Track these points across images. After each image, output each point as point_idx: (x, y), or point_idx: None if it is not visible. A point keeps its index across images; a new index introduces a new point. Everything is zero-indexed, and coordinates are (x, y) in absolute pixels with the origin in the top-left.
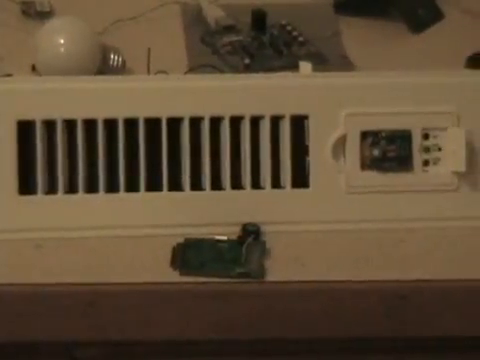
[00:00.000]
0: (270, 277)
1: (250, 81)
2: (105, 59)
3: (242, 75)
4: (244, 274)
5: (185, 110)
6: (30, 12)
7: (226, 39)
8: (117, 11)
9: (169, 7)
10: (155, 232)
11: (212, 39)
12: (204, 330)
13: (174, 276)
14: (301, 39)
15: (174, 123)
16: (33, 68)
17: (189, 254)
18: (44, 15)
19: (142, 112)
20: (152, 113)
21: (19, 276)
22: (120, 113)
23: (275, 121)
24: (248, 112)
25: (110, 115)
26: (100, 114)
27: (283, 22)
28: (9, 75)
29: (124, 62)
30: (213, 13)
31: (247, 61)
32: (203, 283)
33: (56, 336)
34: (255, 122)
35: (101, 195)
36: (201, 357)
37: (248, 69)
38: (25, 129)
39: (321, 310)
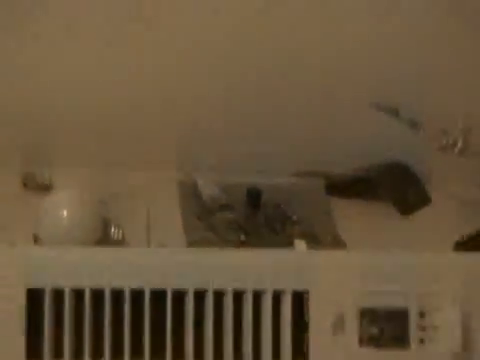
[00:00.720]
0: None
1: (251, 256)
2: (106, 231)
3: (243, 250)
4: None
5: (189, 283)
6: (31, 184)
7: (222, 216)
8: (115, 185)
9: (166, 182)
10: None
11: (208, 216)
12: None
13: None
14: (294, 218)
15: (179, 295)
16: (35, 238)
17: None
18: (44, 187)
19: (147, 283)
20: (157, 285)
21: None
22: (126, 283)
23: (276, 296)
24: (250, 286)
25: (117, 285)
26: (107, 284)
27: (277, 201)
28: (12, 244)
29: (124, 234)
30: (208, 191)
31: (243, 238)
32: None
33: None
34: (257, 296)
35: None
36: None
37: (244, 245)
38: (34, 296)
39: None
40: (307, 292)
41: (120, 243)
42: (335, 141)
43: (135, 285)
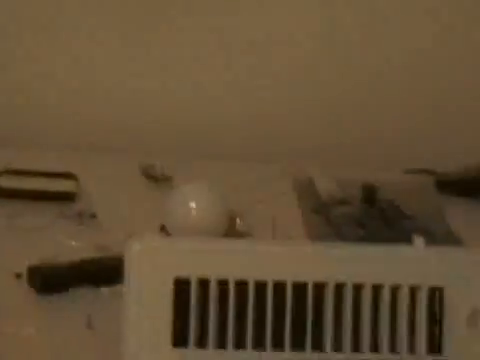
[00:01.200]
0: None
1: (376, 251)
2: (231, 223)
3: (381, 245)
4: None
5: (329, 275)
6: (151, 176)
7: (338, 210)
8: (233, 177)
9: (279, 175)
10: None
11: (325, 210)
12: None
13: None
14: (408, 214)
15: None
16: (162, 228)
17: None
18: (164, 179)
19: (290, 276)
20: (297, 278)
21: None
22: (270, 276)
23: (412, 291)
24: (388, 281)
25: (261, 277)
26: (251, 276)
27: (391, 197)
28: (135, 234)
29: (248, 227)
30: (325, 186)
31: (361, 233)
32: None
33: None
34: (393, 291)
35: (249, 352)
36: None
37: (362, 240)
38: (181, 286)
39: None
40: (442, 288)
41: (246, 235)
42: (447, 139)
43: (278, 277)
